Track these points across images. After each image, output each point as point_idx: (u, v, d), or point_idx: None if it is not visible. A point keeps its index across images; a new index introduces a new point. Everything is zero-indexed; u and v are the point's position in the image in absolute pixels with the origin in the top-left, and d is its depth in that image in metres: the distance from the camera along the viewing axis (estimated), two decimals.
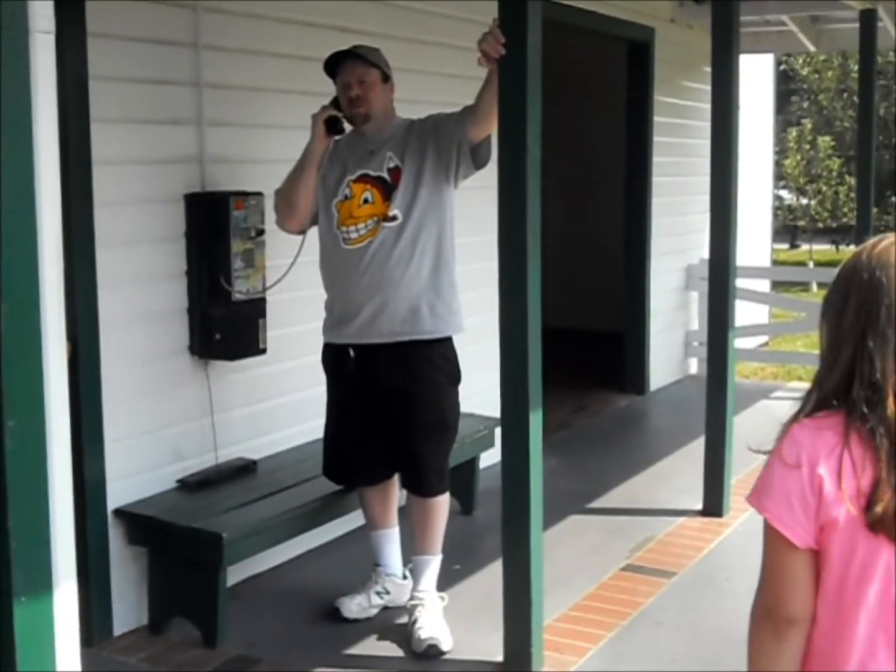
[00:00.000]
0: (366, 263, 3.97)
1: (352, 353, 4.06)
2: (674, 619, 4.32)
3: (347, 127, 4.10)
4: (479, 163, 4.01)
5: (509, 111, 3.60)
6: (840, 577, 1.77)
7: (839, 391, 1.78)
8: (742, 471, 5.99)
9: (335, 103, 4.08)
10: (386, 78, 4.09)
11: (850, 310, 1.77)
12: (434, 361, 4.05)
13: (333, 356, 4.15)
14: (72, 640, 2.17)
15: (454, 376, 4.14)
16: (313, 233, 4.19)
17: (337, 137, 4.09)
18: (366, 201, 4.01)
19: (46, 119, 2.03)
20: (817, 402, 1.82)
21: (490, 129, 3.85)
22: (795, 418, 1.83)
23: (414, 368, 4.02)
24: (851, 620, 1.78)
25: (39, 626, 2.06)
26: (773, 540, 1.80)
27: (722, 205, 5.39)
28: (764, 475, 1.84)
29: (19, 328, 2.03)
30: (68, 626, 2.16)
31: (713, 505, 5.49)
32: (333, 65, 4.09)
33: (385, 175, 4.01)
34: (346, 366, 4.08)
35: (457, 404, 4.18)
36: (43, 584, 2.06)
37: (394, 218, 3.97)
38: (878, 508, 1.70)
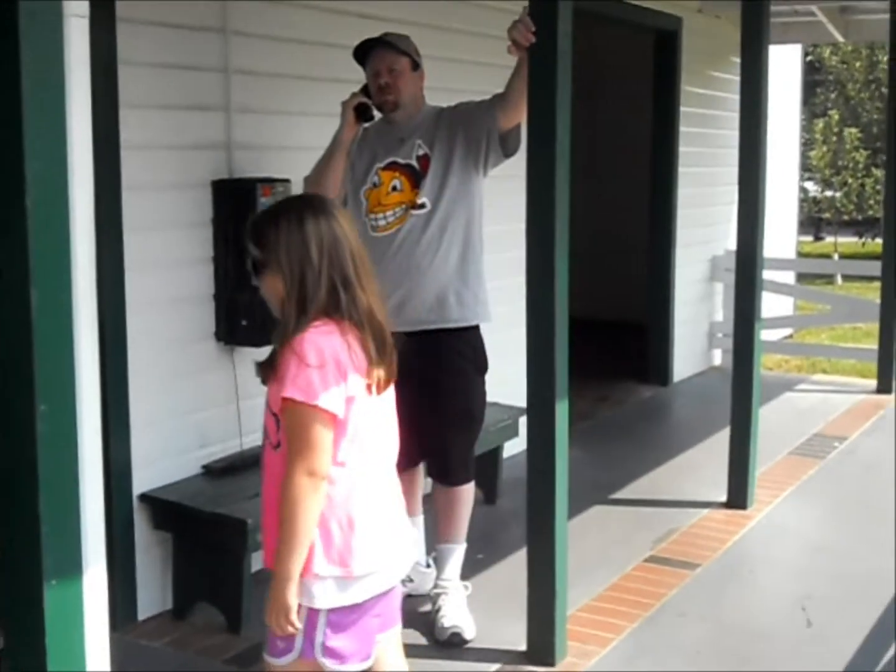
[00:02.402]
0: (393, 251, 3.96)
1: None
2: (697, 611, 4.31)
3: (377, 114, 4.09)
4: (508, 151, 3.99)
5: (539, 100, 3.59)
6: (354, 436, 2.51)
7: (329, 305, 2.47)
8: (766, 463, 5.99)
9: (365, 90, 4.07)
10: (416, 66, 4.08)
11: (315, 251, 2.47)
12: (461, 350, 4.05)
13: None
14: (101, 624, 2.18)
15: (481, 365, 4.13)
16: None
17: (366, 125, 4.08)
18: (394, 189, 4.00)
19: (80, 104, 2.03)
20: (312, 317, 2.46)
21: (519, 117, 3.83)
22: (296, 332, 2.44)
23: (441, 357, 4.01)
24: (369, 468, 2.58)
25: (69, 609, 2.06)
26: (319, 420, 2.42)
27: (750, 196, 5.36)
28: (299, 379, 2.42)
29: (51, 313, 2.03)
30: (97, 610, 2.17)
31: (737, 497, 5.47)
32: (363, 52, 4.08)
33: (414, 163, 4.00)
34: None
35: (483, 394, 4.17)
36: (73, 567, 2.06)
37: (422, 206, 3.96)
38: (377, 374, 2.53)
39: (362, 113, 4.01)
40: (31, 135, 1.93)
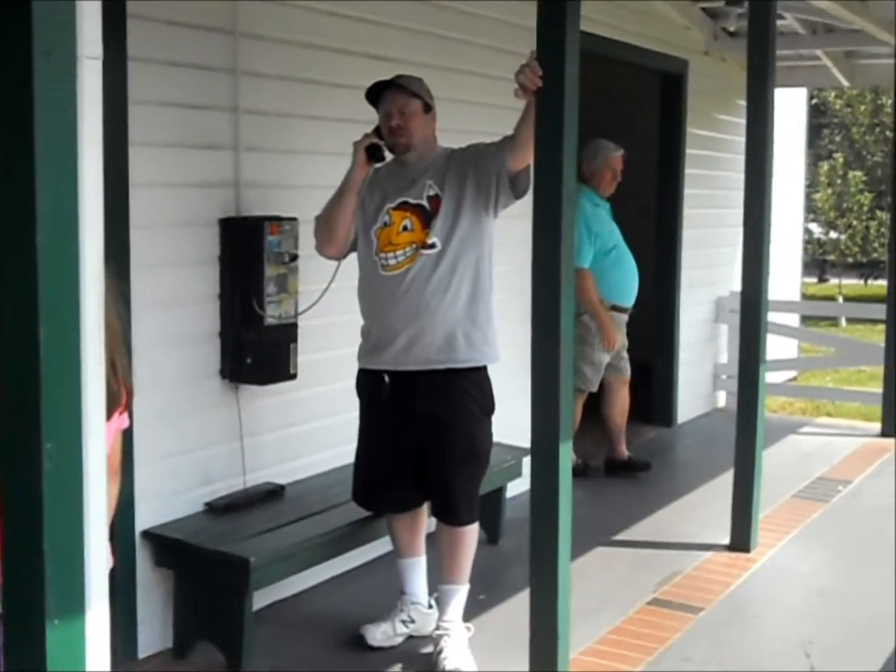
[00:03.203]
0: (403, 290, 3.98)
1: (387, 379, 4.06)
2: (702, 656, 4.29)
3: (388, 155, 4.11)
4: (518, 192, 4.02)
5: (545, 143, 3.60)
6: None
7: None
8: (770, 506, 5.97)
9: (377, 131, 4.09)
10: (428, 108, 4.11)
11: None
12: (468, 390, 4.05)
13: (368, 382, 4.15)
14: (102, 664, 2.17)
15: (488, 406, 4.13)
16: (347, 259, 4.20)
17: (378, 165, 4.10)
18: (405, 228, 4.02)
19: (92, 145, 2.04)
20: None
21: (528, 159, 3.85)
22: None
23: (448, 397, 4.02)
24: None
25: (71, 649, 2.05)
26: None
27: (755, 238, 5.38)
28: None
29: (59, 351, 2.03)
30: (99, 650, 2.15)
31: (741, 540, 5.45)
32: (376, 93, 4.11)
33: (425, 203, 4.03)
34: (380, 392, 4.08)
35: (489, 434, 4.18)
36: (76, 607, 2.05)
37: (432, 246, 3.98)
38: None
39: (373, 153, 4.03)
40: (42, 173, 1.94)
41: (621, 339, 6.76)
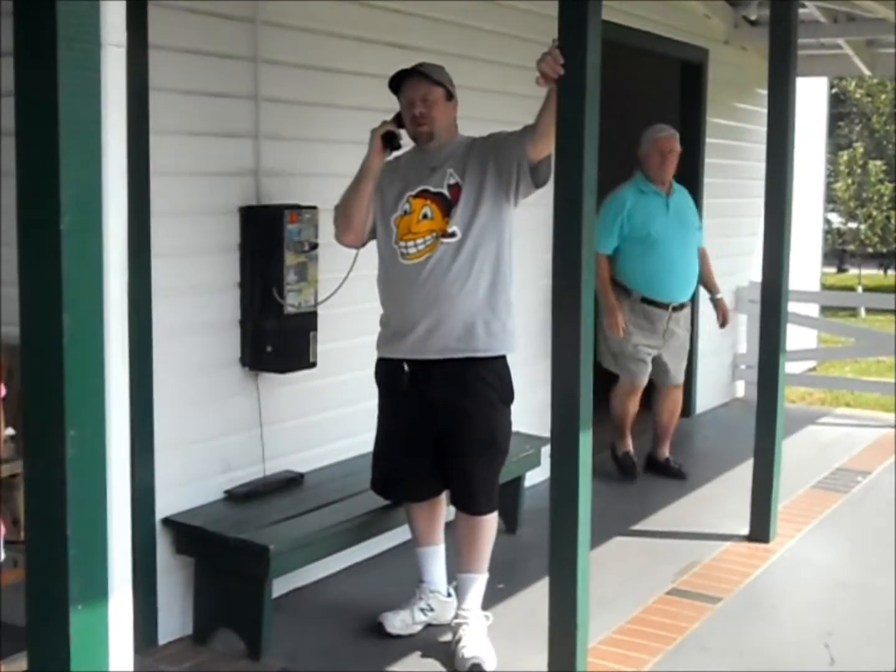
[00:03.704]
0: (423, 279, 3.97)
1: (406, 368, 4.06)
2: (720, 646, 4.28)
3: (405, 143, 4.11)
4: (538, 181, 4.01)
5: (567, 131, 3.59)
6: None
7: None
8: (788, 497, 5.95)
9: (397, 119, 4.09)
10: (450, 96, 4.10)
11: None
12: (487, 379, 4.05)
13: (387, 371, 4.16)
14: (125, 649, 2.18)
15: (507, 395, 4.13)
16: (366, 248, 4.20)
17: (396, 153, 4.10)
18: (425, 217, 4.02)
19: (115, 131, 2.05)
20: None
21: (549, 148, 3.84)
22: None
23: (467, 386, 4.02)
24: None
25: (94, 634, 2.07)
26: None
27: (775, 227, 5.35)
28: None
29: (82, 339, 2.04)
30: (122, 635, 2.17)
31: (760, 530, 5.44)
32: (398, 82, 4.10)
33: (445, 191, 4.02)
34: (399, 381, 4.08)
35: (509, 423, 4.17)
36: (99, 592, 2.07)
37: (452, 234, 3.97)
38: None
39: (389, 141, 4.03)
40: (67, 160, 1.95)
41: (678, 340, 6.49)
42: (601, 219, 5.96)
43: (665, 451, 6.76)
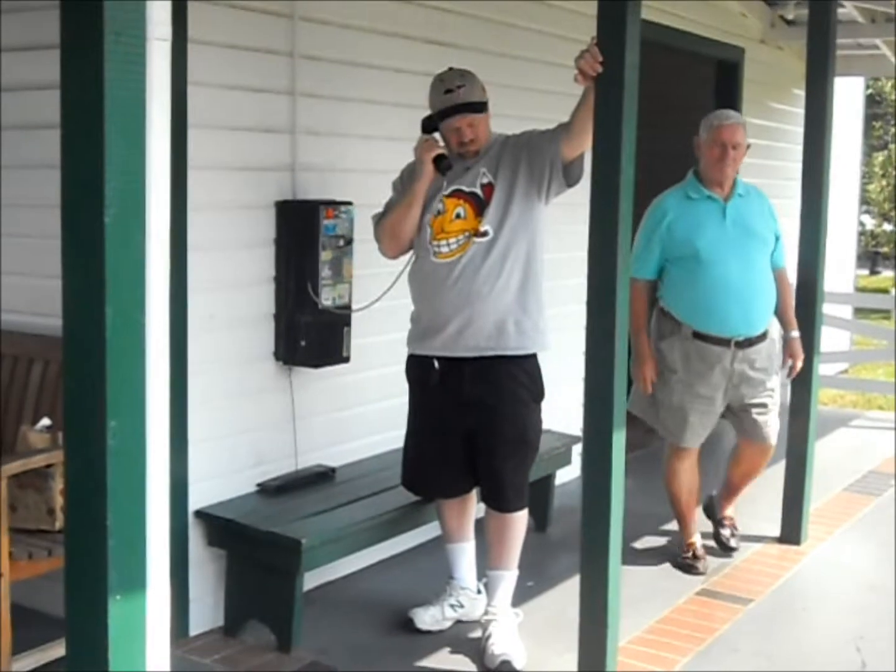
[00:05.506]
0: (455, 277, 3.98)
1: (436, 365, 4.07)
2: (750, 647, 4.27)
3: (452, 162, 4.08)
4: (570, 181, 4.01)
5: (604, 130, 3.58)
6: None
7: None
8: (820, 499, 5.92)
9: (430, 120, 4.07)
10: (486, 107, 4.10)
11: None
12: (518, 378, 4.05)
13: (418, 368, 4.16)
14: (162, 640, 2.20)
15: (537, 394, 4.13)
16: None
17: (446, 174, 4.06)
18: (458, 216, 4.02)
19: (159, 125, 2.07)
20: None
21: (583, 147, 3.84)
22: None
23: (498, 384, 4.02)
24: None
25: (132, 624, 2.08)
26: None
27: (812, 229, 5.33)
28: None
29: (124, 331, 2.05)
30: (159, 626, 2.18)
31: (791, 533, 5.42)
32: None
33: (478, 191, 4.02)
34: (430, 378, 4.09)
35: (539, 421, 4.17)
36: (137, 582, 2.08)
37: (485, 233, 3.97)
38: None
39: (439, 163, 4.01)
40: (112, 153, 1.96)
41: (755, 385, 4.98)
42: (637, 234, 4.87)
43: (725, 511, 5.49)
